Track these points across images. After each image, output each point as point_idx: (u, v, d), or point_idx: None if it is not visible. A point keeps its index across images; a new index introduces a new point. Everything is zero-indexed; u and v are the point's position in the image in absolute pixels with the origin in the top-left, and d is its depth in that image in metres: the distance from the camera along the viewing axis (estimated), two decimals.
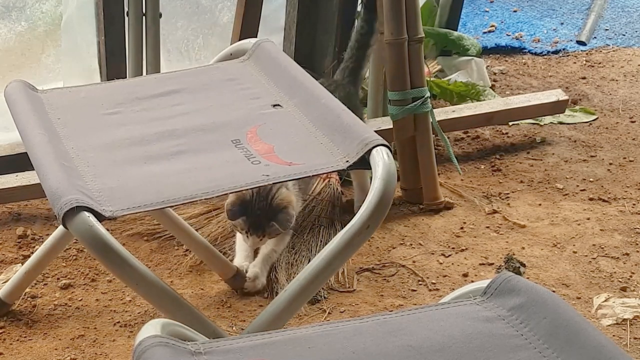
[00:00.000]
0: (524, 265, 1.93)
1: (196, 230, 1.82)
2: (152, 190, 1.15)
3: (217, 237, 1.95)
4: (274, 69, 1.46)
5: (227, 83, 1.46)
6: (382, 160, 1.17)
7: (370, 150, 1.19)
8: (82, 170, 1.21)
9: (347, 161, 1.21)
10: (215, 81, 1.47)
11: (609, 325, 1.76)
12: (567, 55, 3.09)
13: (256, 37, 2.24)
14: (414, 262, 1.94)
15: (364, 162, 1.20)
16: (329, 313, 1.77)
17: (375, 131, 1.25)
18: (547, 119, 2.59)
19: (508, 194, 2.22)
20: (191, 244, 1.76)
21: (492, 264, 1.94)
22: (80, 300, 1.78)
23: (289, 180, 1.23)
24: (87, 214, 1.07)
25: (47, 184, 1.14)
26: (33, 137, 1.26)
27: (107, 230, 1.08)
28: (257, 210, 1.75)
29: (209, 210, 2.03)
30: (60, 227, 1.63)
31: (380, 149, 1.19)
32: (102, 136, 1.31)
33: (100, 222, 1.07)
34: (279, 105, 1.38)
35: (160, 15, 2.15)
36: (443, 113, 2.40)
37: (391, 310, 1.34)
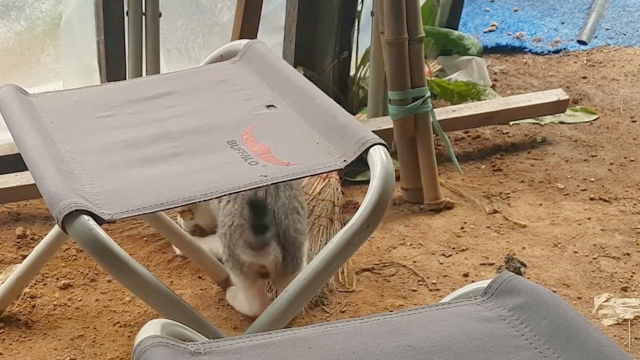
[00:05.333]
0: (524, 265, 1.92)
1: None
2: (150, 193, 1.15)
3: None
4: (266, 69, 1.45)
5: (219, 85, 1.46)
6: (380, 159, 1.17)
7: (367, 149, 1.19)
8: (79, 174, 1.20)
9: (345, 160, 1.21)
10: (207, 83, 1.47)
11: (609, 326, 1.75)
12: (568, 55, 3.08)
13: (256, 37, 2.24)
14: (414, 262, 1.94)
15: (361, 162, 1.20)
16: (329, 313, 1.77)
17: (376, 131, 1.25)
18: (548, 119, 2.58)
19: (509, 193, 2.22)
20: (184, 247, 1.76)
21: (493, 264, 1.94)
22: (79, 301, 1.78)
23: (288, 181, 1.23)
24: (86, 217, 1.07)
25: (45, 188, 1.13)
26: (27, 141, 1.26)
27: (106, 230, 1.07)
28: None
29: None
30: (51, 232, 1.62)
31: (378, 148, 1.19)
32: (97, 139, 1.30)
33: (99, 225, 1.07)
34: (272, 106, 1.37)
35: (160, 15, 2.15)
36: (443, 113, 2.40)
37: (391, 311, 1.33)
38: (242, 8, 2.24)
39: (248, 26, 2.24)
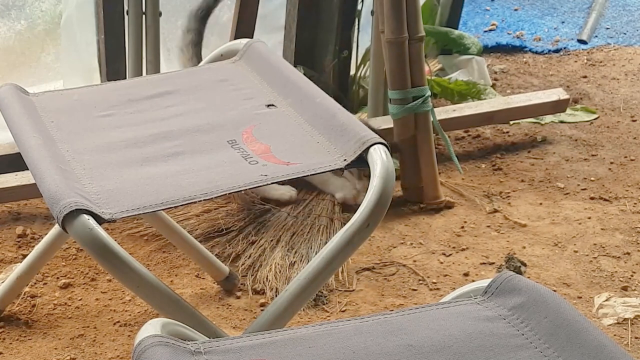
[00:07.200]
0: (524, 265, 1.92)
1: (191, 230, 1.81)
2: (150, 192, 1.15)
3: (212, 235, 1.96)
4: (266, 69, 1.45)
5: (219, 84, 1.46)
6: (380, 158, 1.17)
7: (368, 149, 1.19)
8: (79, 173, 1.20)
9: (345, 160, 1.21)
10: (207, 82, 1.47)
11: (610, 325, 1.75)
12: (568, 54, 3.08)
13: (252, 36, 2.24)
14: (414, 261, 1.94)
15: (361, 161, 1.19)
16: (329, 313, 1.77)
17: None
18: (548, 118, 2.58)
19: (509, 193, 2.22)
20: (184, 246, 1.76)
21: (493, 263, 1.94)
22: (80, 300, 1.78)
23: (288, 180, 1.23)
24: (86, 216, 1.06)
25: (45, 187, 1.13)
26: (27, 140, 1.26)
27: (107, 230, 1.07)
28: None
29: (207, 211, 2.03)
30: (51, 231, 1.62)
31: (378, 147, 1.19)
32: (97, 138, 1.30)
33: (99, 224, 1.07)
34: (273, 105, 1.37)
35: (160, 14, 2.14)
36: (444, 112, 2.40)
37: (392, 310, 1.34)
38: (239, 8, 2.24)
39: (244, 26, 2.24)
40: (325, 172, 1.22)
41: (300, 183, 2.09)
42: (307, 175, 1.21)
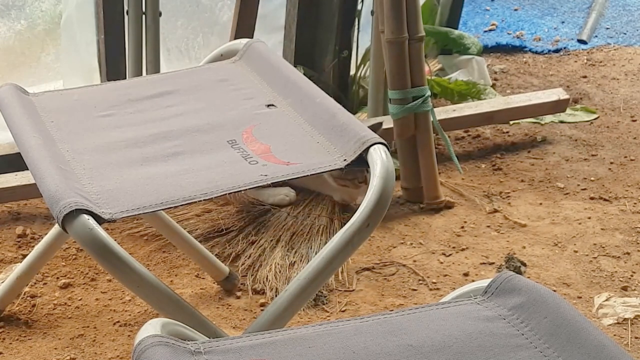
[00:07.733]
0: (524, 265, 1.92)
1: (191, 230, 1.81)
2: (150, 192, 1.15)
3: (212, 235, 1.96)
4: (266, 69, 1.45)
5: (219, 84, 1.46)
6: (380, 158, 1.17)
7: (367, 149, 1.19)
8: (79, 173, 1.20)
9: (345, 160, 1.21)
10: (207, 82, 1.47)
11: (609, 325, 1.75)
12: (568, 54, 3.09)
13: (252, 36, 2.24)
14: (414, 261, 1.94)
15: (361, 161, 1.20)
16: (329, 313, 1.77)
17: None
18: (548, 118, 2.58)
19: (509, 193, 2.22)
20: (184, 246, 1.76)
21: (493, 263, 1.94)
22: (79, 300, 1.78)
23: (288, 180, 1.23)
24: (86, 216, 1.06)
25: (45, 187, 1.13)
26: (27, 140, 1.26)
27: (107, 230, 1.07)
28: None
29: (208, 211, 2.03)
30: (51, 231, 1.62)
31: (378, 147, 1.19)
32: (97, 138, 1.30)
33: (99, 224, 1.07)
34: (273, 105, 1.37)
35: (160, 14, 2.14)
36: (444, 112, 2.40)
37: (392, 310, 1.33)
38: (239, 8, 2.24)
39: (244, 25, 2.24)
40: (326, 172, 1.22)
41: (298, 187, 2.09)
42: (307, 175, 1.20)
